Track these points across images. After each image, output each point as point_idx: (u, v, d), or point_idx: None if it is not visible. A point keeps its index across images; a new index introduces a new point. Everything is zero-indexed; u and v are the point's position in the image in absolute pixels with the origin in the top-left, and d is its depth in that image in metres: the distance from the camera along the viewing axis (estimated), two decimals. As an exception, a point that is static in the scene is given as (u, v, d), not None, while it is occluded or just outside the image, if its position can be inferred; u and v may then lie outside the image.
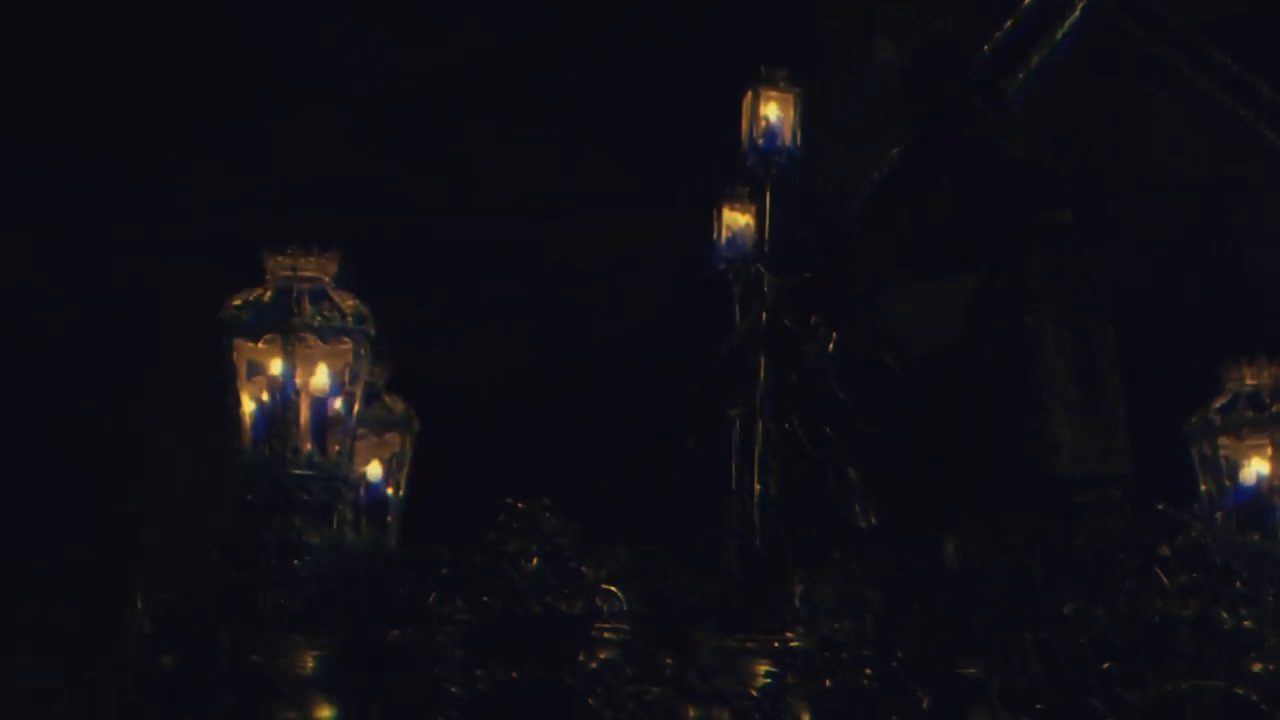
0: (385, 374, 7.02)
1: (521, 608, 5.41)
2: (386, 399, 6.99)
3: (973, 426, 6.09)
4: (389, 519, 6.90)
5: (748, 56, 6.72)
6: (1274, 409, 6.71)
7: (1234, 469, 6.78)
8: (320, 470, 5.68)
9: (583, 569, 5.45)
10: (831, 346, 5.93)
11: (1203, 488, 6.85)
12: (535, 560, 5.46)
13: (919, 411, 6.13)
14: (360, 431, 6.90)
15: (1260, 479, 6.72)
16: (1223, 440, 6.80)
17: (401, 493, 6.98)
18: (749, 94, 6.19)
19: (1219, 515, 6.72)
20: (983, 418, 6.09)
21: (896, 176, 6.43)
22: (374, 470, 6.92)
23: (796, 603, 5.54)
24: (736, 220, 6.97)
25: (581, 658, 5.39)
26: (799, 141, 6.14)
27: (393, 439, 6.96)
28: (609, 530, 5.84)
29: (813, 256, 5.96)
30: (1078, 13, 6.47)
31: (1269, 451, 6.70)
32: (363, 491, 6.93)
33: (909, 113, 6.49)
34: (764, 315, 6.06)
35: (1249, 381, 6.81)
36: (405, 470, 7.01)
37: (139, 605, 5.51)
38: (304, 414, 5.72)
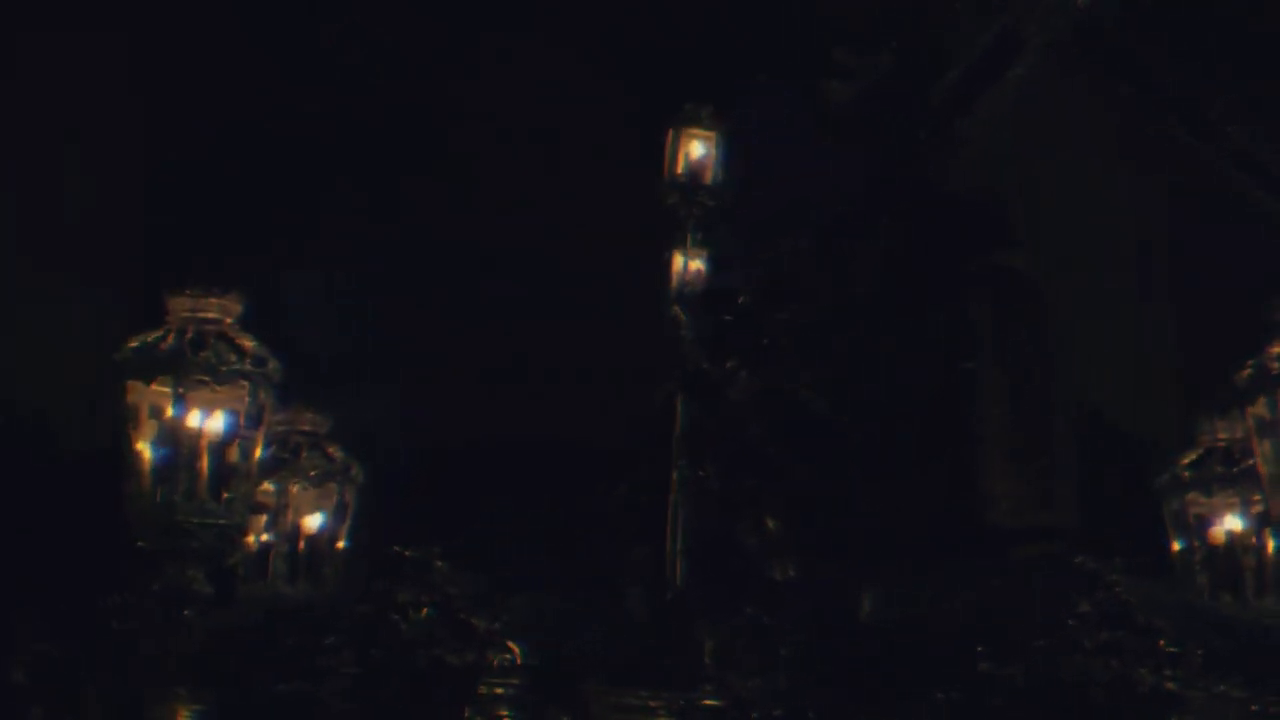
0: (327, 423, 6.89)
1: (408, 660, 5.18)
2: (327, 449, 6.85)
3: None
4: (326, 571, 6.74)
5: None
6: (1245, 464, 6.42)
7: (1203, 526, 6.49)
8: (213, 517, 5.47)
9: (473, 621, 5.22)
10: (752, 390, 5.67)
11: (1173, 545, 6.58)
12: (425, 611, 5.23)
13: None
14: (299, 483, 6.81)
15: (1230, 537, 6.44)
16: (1192, 497, 6.52)
17: (341, 544, 6.82)
18: (670, 132, 5.98)
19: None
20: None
21: (845, 215, 6.15)
22: (311, 522, 6.77)
23: (706, 658, 5.30)
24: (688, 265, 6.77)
25: (467, 713, 5.15)
26: (721, 179, 5.92)
27: (331, 489, 6.80)
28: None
29: (733, 299, 5.70)
30: (1033, 55, 6.15)
31: (1239, 508, 6.41)
32: (301, 544, 6.78)
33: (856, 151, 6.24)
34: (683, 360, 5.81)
35: (1220, 436, 6.51)
36: (346, 522, 6.85)
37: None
38: (203, 459, 5.53)
